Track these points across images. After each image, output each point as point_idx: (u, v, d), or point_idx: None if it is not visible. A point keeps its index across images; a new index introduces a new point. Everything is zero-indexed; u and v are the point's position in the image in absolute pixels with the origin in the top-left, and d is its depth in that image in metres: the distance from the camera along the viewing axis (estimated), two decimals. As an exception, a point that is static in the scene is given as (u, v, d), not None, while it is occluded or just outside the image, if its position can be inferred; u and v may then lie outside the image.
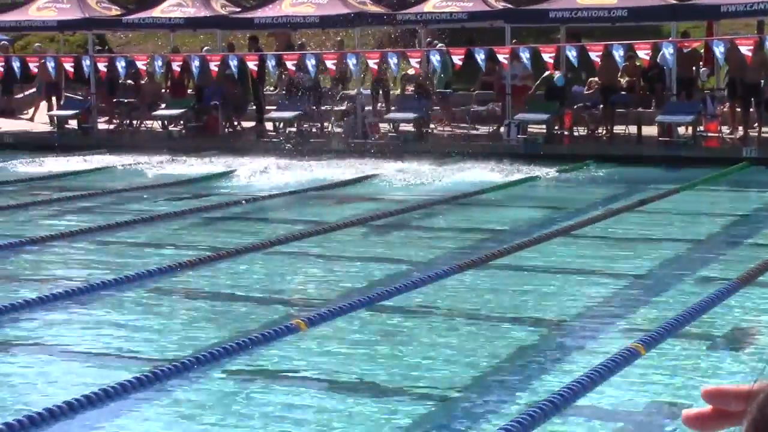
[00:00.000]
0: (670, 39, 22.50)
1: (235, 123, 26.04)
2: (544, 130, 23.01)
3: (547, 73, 22.85)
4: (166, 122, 26.33)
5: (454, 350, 8.29)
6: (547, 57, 21.91)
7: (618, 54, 21.39)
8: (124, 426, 6.68)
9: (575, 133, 23.06)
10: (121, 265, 11.30)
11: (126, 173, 20.24)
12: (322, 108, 24.95)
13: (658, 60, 22.67)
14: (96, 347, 8.42)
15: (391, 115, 24.73)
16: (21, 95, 29.81)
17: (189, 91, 27.14)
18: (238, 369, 7.74)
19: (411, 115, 24.21)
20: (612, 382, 7.16)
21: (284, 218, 15.08)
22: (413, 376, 7.60)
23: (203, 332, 8.86)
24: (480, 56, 22.31)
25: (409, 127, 24.60)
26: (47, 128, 27.24)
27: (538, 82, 23.47)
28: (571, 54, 21.60)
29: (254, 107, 26.29)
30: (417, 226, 14.42)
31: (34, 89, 29.00)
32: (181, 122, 26.02)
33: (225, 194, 17.19)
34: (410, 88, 25.24)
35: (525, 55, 22.25)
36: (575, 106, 22.87)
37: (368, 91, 25.31)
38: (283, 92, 26.03)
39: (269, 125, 25.75)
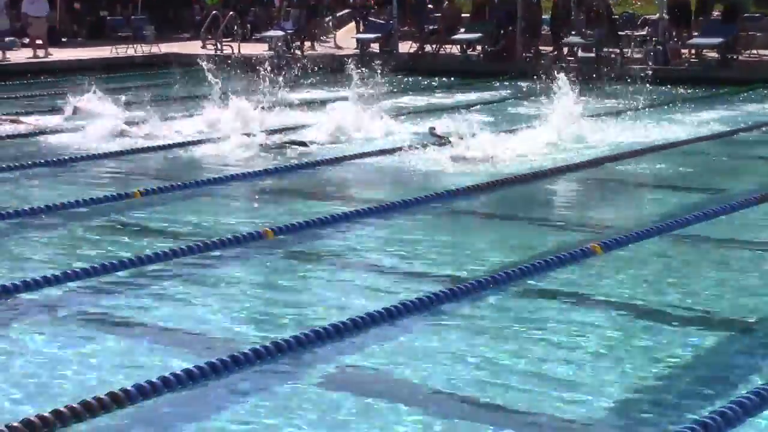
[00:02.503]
0: None
1: (531, 48, 25.95)
2: None
3: None
4: (464, 46, 26.59)
5: (748, 282, 8.05)
6: None
7: None
8: (427, 338, 6.94)
9: None
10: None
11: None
12: (620, 33, 24.44)
13: None
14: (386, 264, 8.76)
15: (695, 41, 23.93)
16: (328, 18, 30.88)
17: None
18: (531, 290, 7.85)
19: (716, 40, 23.35)
20: None
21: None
22: (701, 306, 7.47)
23: (498, 253, 9.04)
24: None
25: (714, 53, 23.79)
26: (350, 52, 28.13)
27: None
28: None
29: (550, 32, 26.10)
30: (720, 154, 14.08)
31: (345, 11, 29.99)
32: (479, 47, 26.21)
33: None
34: (717, 12, 24.31)
35: None
36: None
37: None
38: (581, 18, 25.66)
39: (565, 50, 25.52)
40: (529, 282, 7.98)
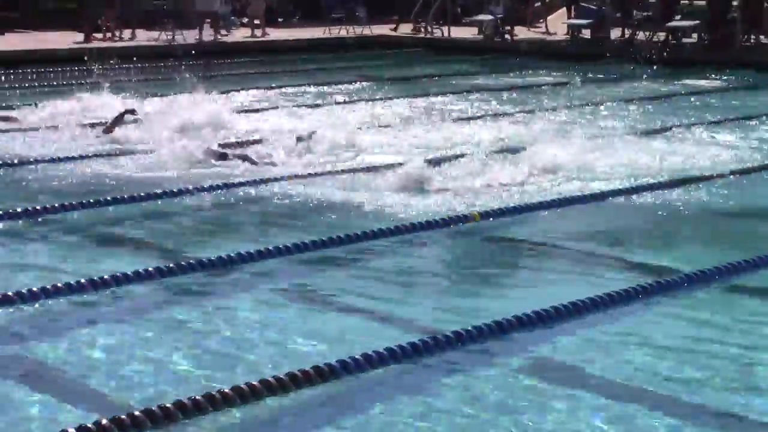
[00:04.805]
0: None
1: (752, 37, 25.08)
2: None
3: None
4: (679, 33, 25.92)
5: None
6: None
7: None
8: (630, 330, 6.87)
9: None
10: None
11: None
12: None
13: None
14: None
15: None
16: (538, 3, 30.71)
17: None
18: (742, 287, 7.65)
19: None
20: None
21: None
22: None
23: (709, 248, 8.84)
24: None
25: None
26: (561, 37, 27.90)
27: None
28: None
29: None
30: None
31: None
32: (693, 34, 25.51)
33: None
34: None
35: None
36: None
37: None
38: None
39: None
40: (740, 279, 7.76)
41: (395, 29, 30.03)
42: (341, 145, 12.71)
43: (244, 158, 11.82)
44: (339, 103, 17.12)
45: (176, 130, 13.33)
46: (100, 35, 25.89)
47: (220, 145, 12.40)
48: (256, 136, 13.26)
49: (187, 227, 9.64)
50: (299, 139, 12.67)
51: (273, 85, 19.43)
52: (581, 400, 5.67)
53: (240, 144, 12.83)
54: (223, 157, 11.80)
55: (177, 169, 11.39)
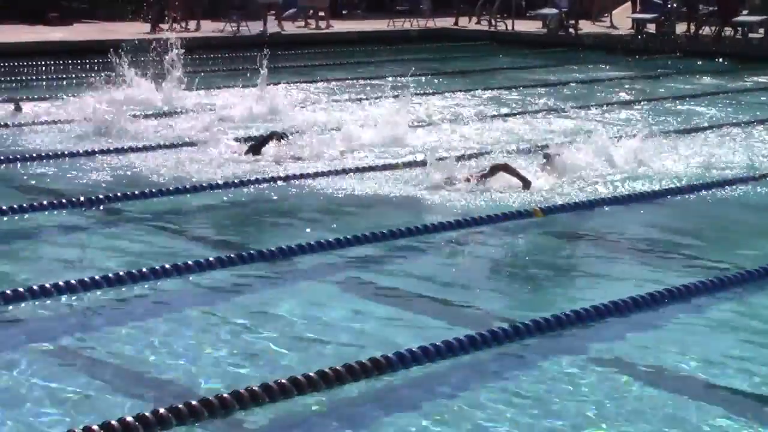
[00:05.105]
0: None
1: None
2: None
3: None
4: (746, 29, 25.63)
5: None
6: None
7: None
8: (687, 328, 6.86)
9: None
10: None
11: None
12: None
13: None
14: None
15: None
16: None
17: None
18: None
19: None
20: None
21: None
22: None
23: None
24: None
25: None
26: (626, 32, 27.70)
27: None
28: None
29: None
30: None
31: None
32: (761, 29, 25.21)
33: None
34: None
35: None
36: None
37: None
38: None
39: None
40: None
41: (456, 22, 30.01)
42: (397, 138, 12.74)
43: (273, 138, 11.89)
44: (402, 94, 17.16)
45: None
46: (165, 26, 26.19)
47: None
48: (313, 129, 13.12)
49: (248, 218, 9.77)
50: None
51: (336, 76, 19.56)
52: (654, 392, 5.72)
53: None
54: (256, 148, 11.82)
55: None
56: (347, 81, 19.11)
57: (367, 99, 16.61)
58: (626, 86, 19.05)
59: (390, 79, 17.53)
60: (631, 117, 15.15)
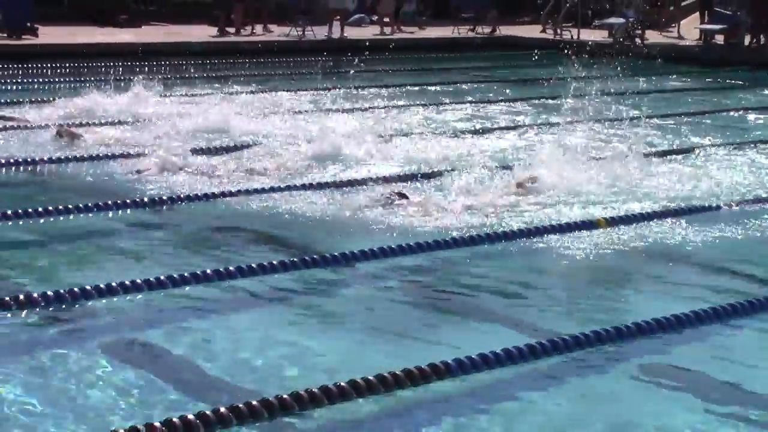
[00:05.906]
0: None
1: None
2: None
3: None
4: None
5: None
6: None
7: None
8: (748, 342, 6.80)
9: None
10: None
11: None
12: None
13: None
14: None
15: None
16: (671, 8, 30.25)
17: None
18: None
19: None
20: None
21: None
22: None
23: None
24: None
25: None
26: (694, 42, 27.43)
27: None
28: None
29: None
30: None
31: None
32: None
33: None
34: None
35: None
36: None
37: None
38: None
39: None
40: None
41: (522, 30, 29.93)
42: (460, 147, 12.75)
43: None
44: (466, 102, 17.22)
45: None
46: (232, 29, 26.40)
47: None
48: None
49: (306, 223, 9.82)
50: None
51: (404, 82, 19.60)
52: (704, 408, 5.70)
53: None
54: None
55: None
56: (408, 87, 19.09)
57: (424, 105, 16.65)
58: (693, 97, 18.86)
59: (450, 86, 17.59)
60: (697, 128, 15.00)
